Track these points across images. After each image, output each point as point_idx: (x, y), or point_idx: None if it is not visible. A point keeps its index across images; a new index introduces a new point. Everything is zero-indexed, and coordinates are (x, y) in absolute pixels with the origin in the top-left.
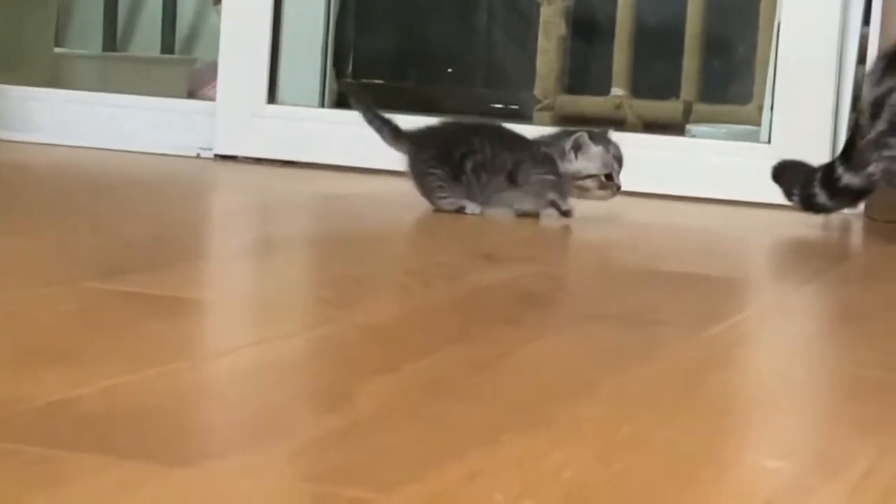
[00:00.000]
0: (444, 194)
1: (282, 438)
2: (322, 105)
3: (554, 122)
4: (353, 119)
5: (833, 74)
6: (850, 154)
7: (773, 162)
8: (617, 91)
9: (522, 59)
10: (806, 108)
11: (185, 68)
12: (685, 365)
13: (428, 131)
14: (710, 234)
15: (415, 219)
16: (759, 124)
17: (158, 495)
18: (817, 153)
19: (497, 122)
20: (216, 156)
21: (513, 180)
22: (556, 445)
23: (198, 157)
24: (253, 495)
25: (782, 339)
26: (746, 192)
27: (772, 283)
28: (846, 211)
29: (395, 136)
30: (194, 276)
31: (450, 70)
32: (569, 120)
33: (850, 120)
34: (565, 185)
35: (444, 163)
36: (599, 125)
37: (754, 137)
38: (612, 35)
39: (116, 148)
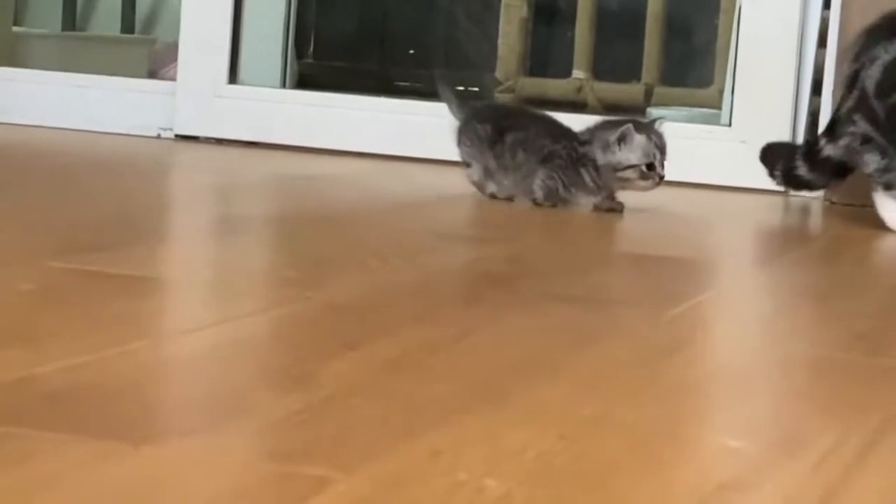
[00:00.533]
0: (468, 167)
1: (244, 417)
2: (284, 86)
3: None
4: (314, 100)
5: (793, 58)
6: (835, 128)
7: (734, 144)
8: (578, 74)
9: (484, 41)
10: (766, 91)
11: (146, 48)
12: (647, 345)
13: (482, 107)
14: (670, 216)
15: (378, 199)
16: (719, 107)
17: (122, 473)
18: (777, 136)
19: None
20: (177, 136)
21: (542, 163)
22: (519, 425)
23: (158, 137)
24: (216, 474)
25: (743, 320)
26: (707, 175)
27: (733, 264)
28: (806, 194)
29: (458, 105)
30: (156, 255)
31: (411, 52)
32: (530, 102)
33: (810, 103)
34: (606, 177)
35: (483, 138)
36: (560, 108)
37: (715, 120)
38: (573, 18)
39: (76, 128)
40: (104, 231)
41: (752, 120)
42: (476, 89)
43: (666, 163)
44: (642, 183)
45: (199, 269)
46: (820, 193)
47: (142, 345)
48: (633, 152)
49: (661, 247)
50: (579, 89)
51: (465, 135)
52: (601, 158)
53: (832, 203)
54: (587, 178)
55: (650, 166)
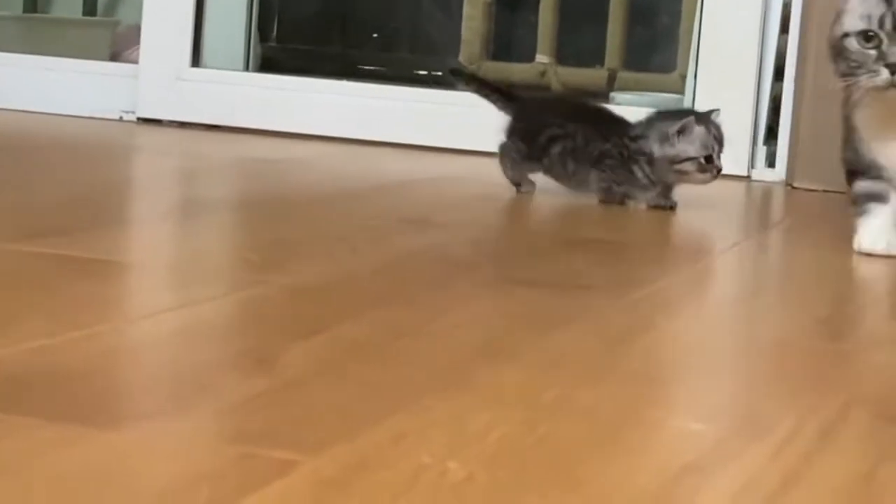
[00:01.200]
0: (505, 166)
1: (208, 400)
2: (247, 69)
3: None
4: (278, 83)
5: (756, 44)
6: None
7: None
8: (542, 58)
9: (448, 25)
10: (729, 76)
11: (108, 30)
12: (610, 329)
13: (530, 103)
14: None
15: (342, 183)
16: (682, 92)
17: (85, 457)
18: (739, 122)
19: (596, 101)
20: (139, 119)
21: (594, 165)
22: (482, 408)
23: (121, 120)
24: (179, 456)
25: (705, 305)
26: None
27: (695, 249)
28: (768, 179)
29: (505, 101)
30: (118, 238)
31: (375, 35)
32: None
33: (772, 89)
34: (661, 170)
35: (524, 139)
36: (524, 92)
37: (677, 105)
38: (537, 2)
39: (38, 110)
40: (67, 214)
41: (715, 105)
42: (440, 73)
43: (723, 155)
44: (700, 176)
45: (162, 252)
46: (782, 178)
47: (105, 328)
48: (691, 144)
49: (624, 232)
50: (542, 74)
51: (505, 160)
52: (658, 151)
53: (793, 188)
54: (640, 175)
55: (708, 158)
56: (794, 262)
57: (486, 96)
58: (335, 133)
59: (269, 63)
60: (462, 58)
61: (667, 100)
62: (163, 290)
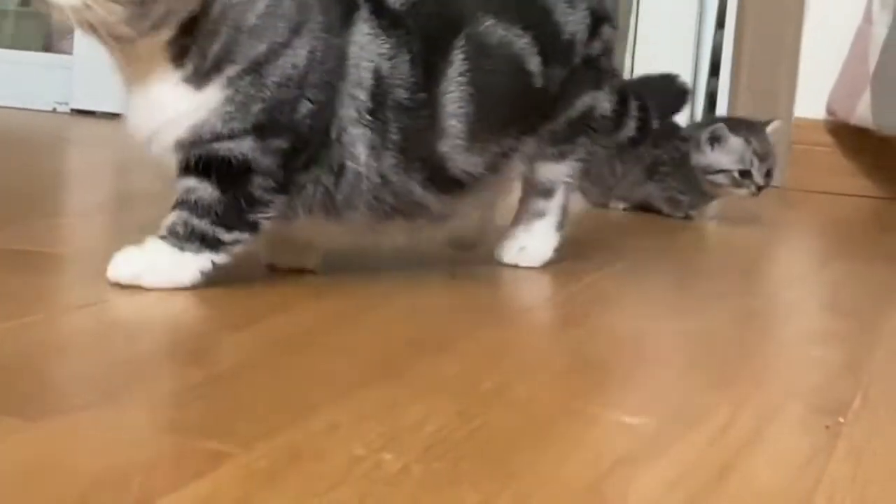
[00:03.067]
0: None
1: (141, 392)
2: None
3: None
4: None
5: (692, 39)
6: None
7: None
8: None
9: None
10: (665, 71)
11: (42, 21)
12: (543, 322)
13: None
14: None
15: None
16: None
17: (18, 449)
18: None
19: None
20: (73, 111)
21: (650, 176)
22: (416, 400)
23: (54, 111)
24: (114, 447)
25: (641, 297)
26: None
27: (631, 242)
28: None
29: None
30: (51, 230)
31: None
32: None
33: (708, 84)
34: (691, 181)
35: None
36: None
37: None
38: None
39: None
40: None
41: None
42: None
43: (771, 170)
44: (735, 190)
45: (95, 244)
46: None
47: (38, 319)
48: (726, 155)
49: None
50: None
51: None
52: (693, 158)
53: None
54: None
55: (744, 173)
56: (727, 255)
57: None
58: None
59: None
60: None
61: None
62: (97, 283)
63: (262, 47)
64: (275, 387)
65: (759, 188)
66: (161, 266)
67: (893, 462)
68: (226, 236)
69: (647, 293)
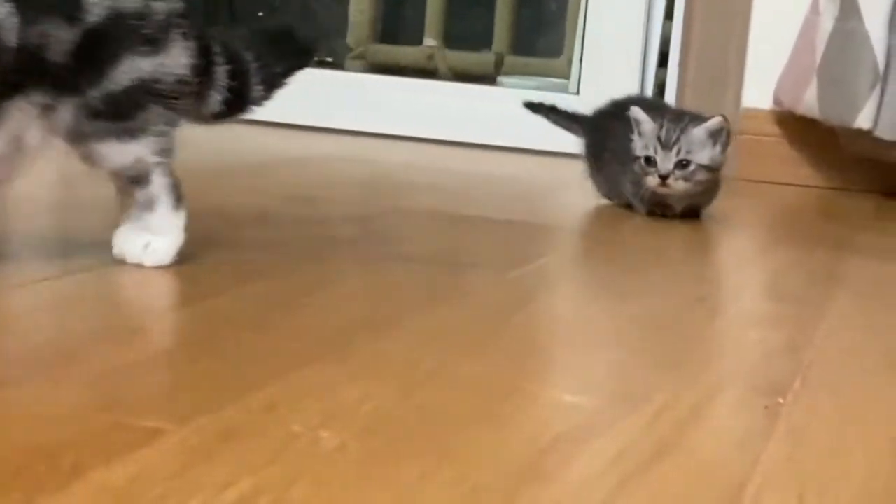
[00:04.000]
0: (589, 181)
1: (79, 369)
2: None
3: (366, 72)
4: None
5: (641, 29)
6: None
7: None
8: (429, 41)
9: (335, 6)
10: (614, 62)
11: None
12: (489, 304)
13: (593, 118)
14: (517, 182)
15: (224, 161)
16: (568, 77)
17: None
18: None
19: (656, 98)
20: None
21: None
22: (357, 379)
23: None
24: (49, 424)
25: (585, 281)
26: (552, 143)
27: (577, 228)
28: None
29: (576, 125)
30: None
31: (260, 14)
32: (381, 69)
33: (657, 75)
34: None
35: (591, 153)
36: (412, 75)
37: (564, 90)
38: None
39: None
40: None
41: (600, 89)
42: (330, 59)
43: (691, 159)
44: (645, 178)
45: (37, 223)
46: None
47: None
48: (639, 139)
49: (506, 211)
50: (430, 57)
51: (594, 182)
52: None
53: None
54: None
55: (648, 160)
56: (673, 240)
57: (565, 127)
58: None
59: None
60: (349, 40)
61: (553, 84)
62: (38, 261)
63: None
64: (213, 366)
65: (663, 178)
66: None
67: (831, 442)
68: None
69: (594, 279)
